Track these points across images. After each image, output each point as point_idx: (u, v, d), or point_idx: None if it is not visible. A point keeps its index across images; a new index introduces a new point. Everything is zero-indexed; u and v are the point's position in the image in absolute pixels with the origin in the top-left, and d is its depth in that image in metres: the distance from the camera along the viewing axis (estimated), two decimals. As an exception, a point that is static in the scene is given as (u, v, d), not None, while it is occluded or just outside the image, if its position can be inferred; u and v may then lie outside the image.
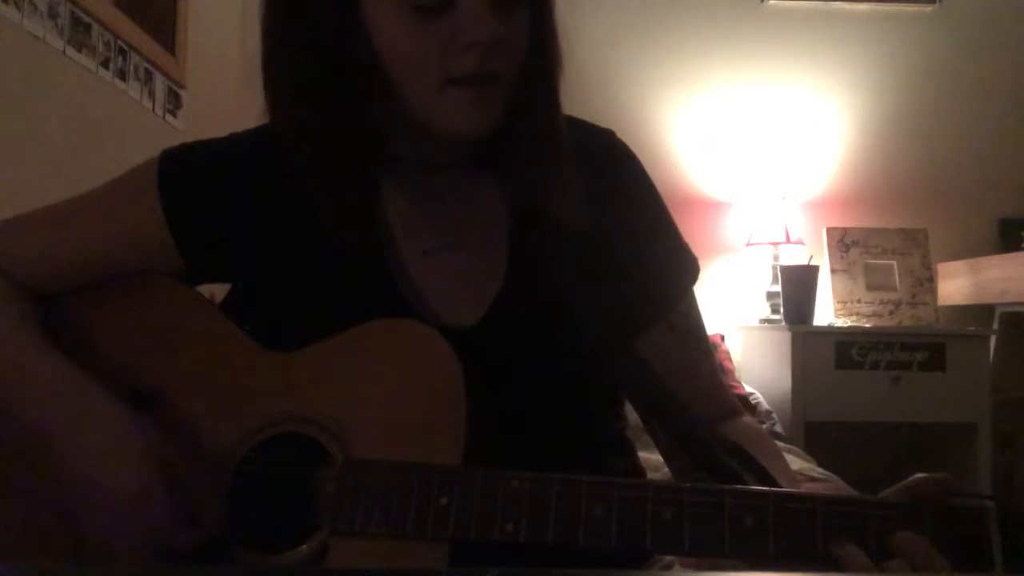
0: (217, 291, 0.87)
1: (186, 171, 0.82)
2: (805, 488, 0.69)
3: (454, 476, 0.63)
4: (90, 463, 0.68)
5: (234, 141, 0.84)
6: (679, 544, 0.59)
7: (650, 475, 0.90)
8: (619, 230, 0.81)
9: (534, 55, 0.73)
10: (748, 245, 3.10)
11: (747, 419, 0.79)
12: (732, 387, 2.78)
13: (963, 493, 0.58)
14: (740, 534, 0.58)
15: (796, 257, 3.04)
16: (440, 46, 0.68)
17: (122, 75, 1.79)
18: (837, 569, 0.57)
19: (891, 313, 3.05)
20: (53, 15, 1.51)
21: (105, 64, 1.71)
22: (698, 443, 0.72)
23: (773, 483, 0.68)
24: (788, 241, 3.01)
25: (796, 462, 2.28)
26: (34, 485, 0.71)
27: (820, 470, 2.22)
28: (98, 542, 0.68)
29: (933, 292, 3.09)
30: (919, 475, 0.59)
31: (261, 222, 0.80)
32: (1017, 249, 2.92)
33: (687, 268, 0.85)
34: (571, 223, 0.76)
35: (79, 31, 1.60)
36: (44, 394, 0.72)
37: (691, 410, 0.77)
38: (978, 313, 3.07)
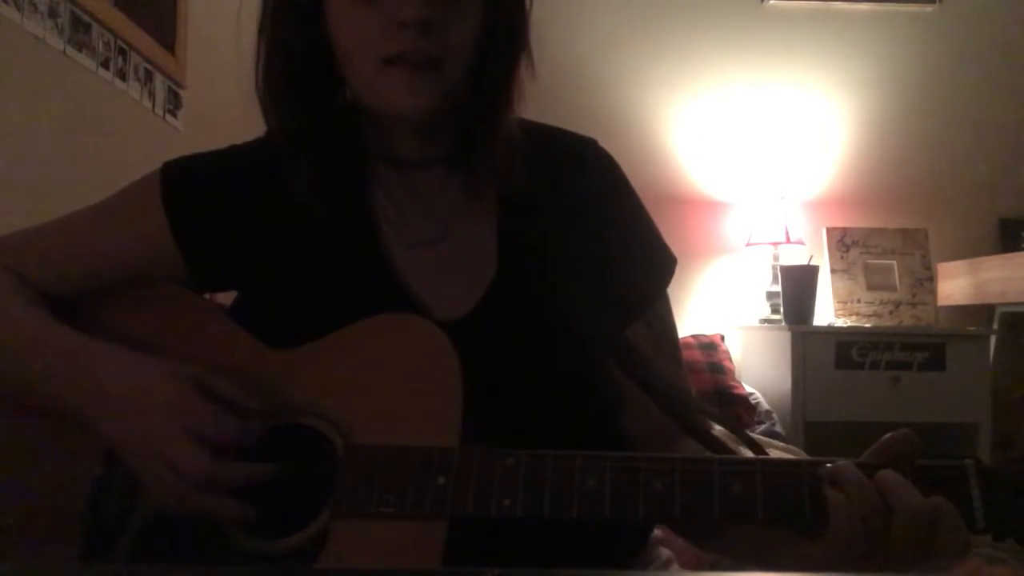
0: (216, 298, 0.88)
1: (188, 183, 0.84)
2: None
3: (451, 456, 0.65)
4: (128, 394, 0.71)
5: (233, 152, 0.87)
6: (671, 512, 0.61)
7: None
8: (600, 230, 0.83)
9: (486, 46, 0.76)
10: (748, 245, 3.10)
11: (718, 428, 0.82)
12: (732, 386, 2.78)
13: (938, 453, 0.61)
14: (729, 501, 0.60)
15: (796, 257, 3.04)
16: (377, 28, 0.72)
17: (122, 75, 1.79)
18: (824, 518, 0.59)
19: (891, 313, 3.05)
20: (53, 15, 1.51)
21: (105, 64, 1.71)
22: (690, 414, 0.75)
23: (760, 451, 0.71)
24: (788, 241, 3.01)
25: (796, 462, 2.28)
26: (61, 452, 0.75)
27: (820, 470, 2.22)
28: (154, 476, 0.69)
29: (933, 292, 3.09)
30: (888, 435, 0.63)
31: (261, 229, 0.82)
32: (1017, 249, 2.92)
33: (666, 265, 0.88)
34: (522, 202, 0.79)
35: (79, 31, 1.60)
36: (65, 358, 0.75)
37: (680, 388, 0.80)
38: (978, 313, 3.07)
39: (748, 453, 0.71)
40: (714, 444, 0.73)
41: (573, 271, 0.81)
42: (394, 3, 0.71)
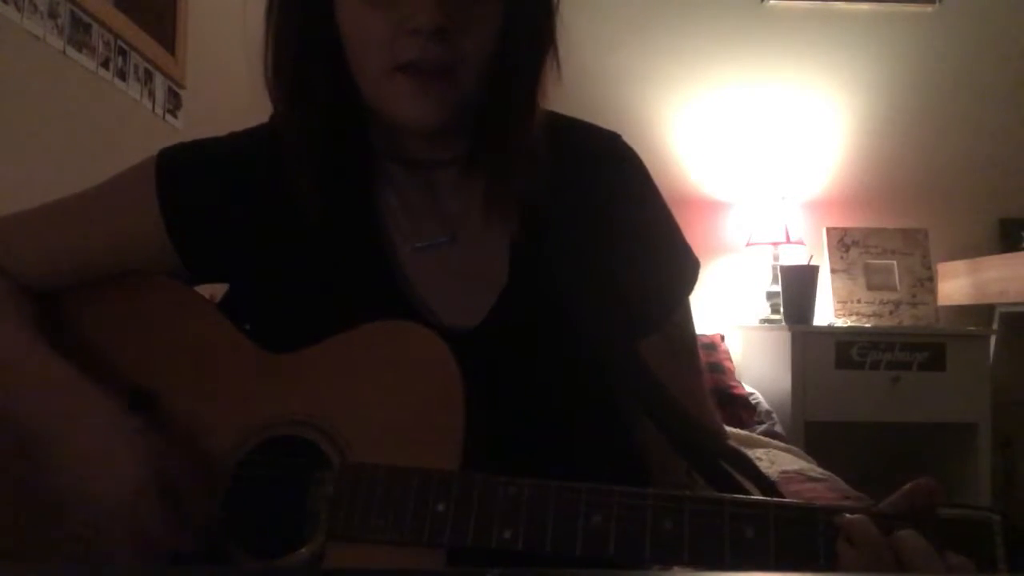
0: (217, 291, 0.87)
1: (183, 171, 0.81)
2: (805, 489, 0.69)
3: (451, 482, 0.63)
4: (84, 464, 0.68)
5: (232, 140, 0.84)
6: (679, 555, 0.58)
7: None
8: (621, 232, 0.80)
9: (506, 51, 0.72)
10: (748, 245, 3.10)
11: (732, 444, 0.78)
12: (732, 386, 2.78)
13: (962, 505, 0.57)
14: (741, 545, 0.57)
15: (796, 257, 3.04)
16: (389, 32, 0.68)
17: (122, 75, 1.79)
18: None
19: (891, 313, 3.05)
20: (53, 15, 1.51)
21: (105, 64, 1.71)
22: (698, 449, 0.72)
23: (775, 491, 0.67)
24: (788, 241, 3.01)
25: (796, 462, 2.29)
26: (30, 481, 0.71)
27: (820, 470, 2.22)
28: (86, 541, 0.67)
29: (933, 292, 3.09)
30: (912, 483, 0.59)
31: (259, 222, 0.80)
32: (1017, 249, 2.92)
33: (688, 272, 0.84)
34: (540, 212, 0.76)
35: (79, 31, 1.60)
36: (40, 393, 0.72)
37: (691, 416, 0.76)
38: (978, 313, 3.07)
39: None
40: (724, 483, 0.69)
41: (588, 279, 0.77)
42: (407, 7, 0.67)
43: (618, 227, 0.80)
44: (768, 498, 0.62)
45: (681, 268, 0.83)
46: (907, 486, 0.59)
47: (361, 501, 0.64)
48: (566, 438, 0.74)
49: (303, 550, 0.66)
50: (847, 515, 0.57)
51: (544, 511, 0.60)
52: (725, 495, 0.61)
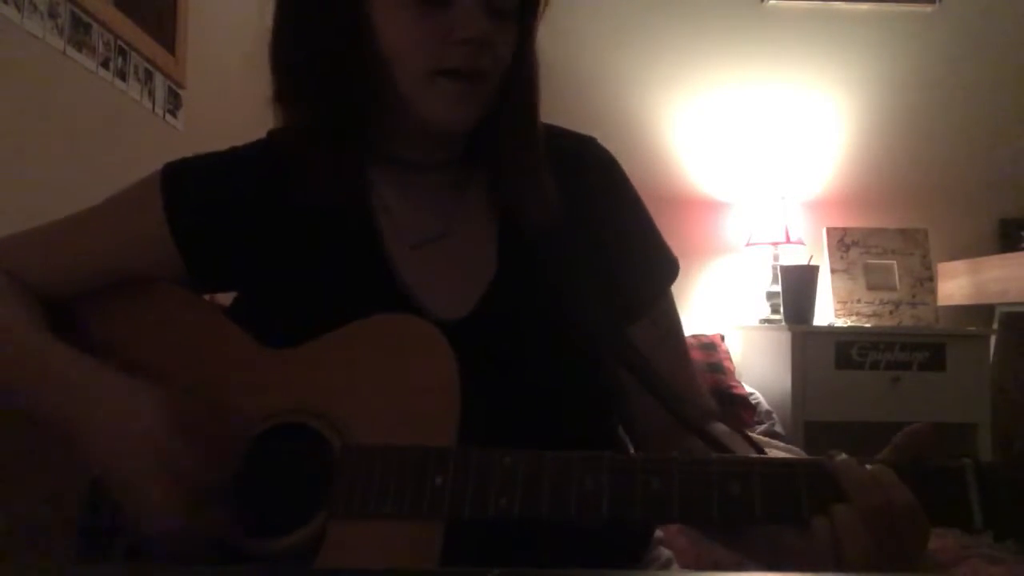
0: (217, 298, 0.88)
1: (187, 180, 0.85)
2: None
3: (448, 456, 0.65)
4: (109, 428, 0.69)
5: (233, 153, 0.87)
6: (669, 513, 0.61)
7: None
8: (602, 229, 0.84)
9: (517, 66, 0.78)
10: (748, 245, 3.10)
11: (720, 426, 0.80)
12: (732, 386, 2.78)
13: (941, 455, 0.60)
14: (727, 501, 0.60)
15: (796, 257, 3.04)
16: (436, 37, 0.73)
17: (122, 75, 1.79)
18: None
19: (891, 313, 3.05)
20: (53, 15, 1.51)
21: (105, 64, 1.71)
22: (693, 424, 0.75)
23: (760, 452, 0.70)
24: (788, 241, 3.01)
25: (796, 462, 2.28)
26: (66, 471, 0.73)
27: (820, 470, 2.22)
28: (133, 509, 0.68)
29: (933, 292, 3.09)
30: (901, 433, 0.61)
31: (261, 230, 0.82)
32: (1017, 249, 2.92)
33: (667, 267, 0.88)
34: (547, 220, 0.80)
35: (79, 31, 1.60)
36: (58, 377, 0.73)
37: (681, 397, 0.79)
38: (978, 313, 3.07)
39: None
40: (715, 446, 0.73)
41: (574, 271, 0.81)
42: (459, 17, 0.72)
43: (598, 223, 0.84)
44: (752, 456, 0.64)
45: (660, 262, 0.88)
46: (897, 437, 0.61)
47: (360, 480, 0.66)
48: (554, 423, 0.77)
49: (304, 530, 0.67)
50: (835, 459, 0.60)
51: (539, 478, 0.62)
52: (712, 455, 0.64)
